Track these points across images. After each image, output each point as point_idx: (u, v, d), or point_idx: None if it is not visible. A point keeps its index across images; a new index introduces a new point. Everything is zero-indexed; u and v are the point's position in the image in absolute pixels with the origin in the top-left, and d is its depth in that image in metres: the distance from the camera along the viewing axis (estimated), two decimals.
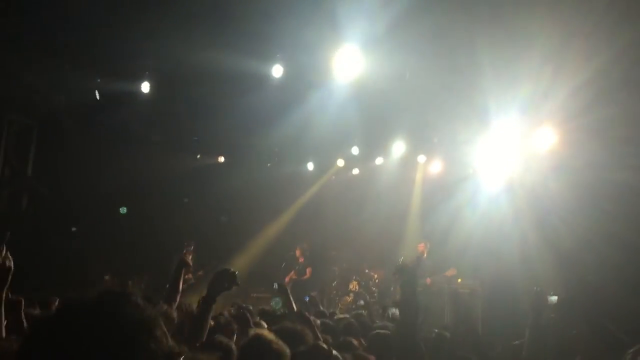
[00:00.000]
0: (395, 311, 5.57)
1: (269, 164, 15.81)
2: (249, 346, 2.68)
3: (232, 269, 3.33)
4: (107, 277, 13.17)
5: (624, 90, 7.65)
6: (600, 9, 6.59)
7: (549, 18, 7.08)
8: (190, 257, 13.15)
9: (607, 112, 7.85)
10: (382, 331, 4.88)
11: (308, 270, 13.05)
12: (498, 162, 12.79)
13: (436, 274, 12.10)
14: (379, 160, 15.00)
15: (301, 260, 13.19)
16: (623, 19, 6.66)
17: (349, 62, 9.39)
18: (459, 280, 12.12)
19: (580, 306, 6.72)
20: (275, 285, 6.78)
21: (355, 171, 15.65)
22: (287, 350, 2.69)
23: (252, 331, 3.02)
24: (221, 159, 15.47)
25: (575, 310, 6.47)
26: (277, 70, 10.07)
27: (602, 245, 8.39)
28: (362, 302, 11.91)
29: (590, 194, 8.88)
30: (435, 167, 14.19)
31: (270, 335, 2.78)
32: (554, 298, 7.75)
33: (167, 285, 4.04)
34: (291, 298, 5.36)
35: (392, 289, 13.10)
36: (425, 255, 12.38)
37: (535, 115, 9.85)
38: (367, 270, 13.77)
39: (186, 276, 12.49)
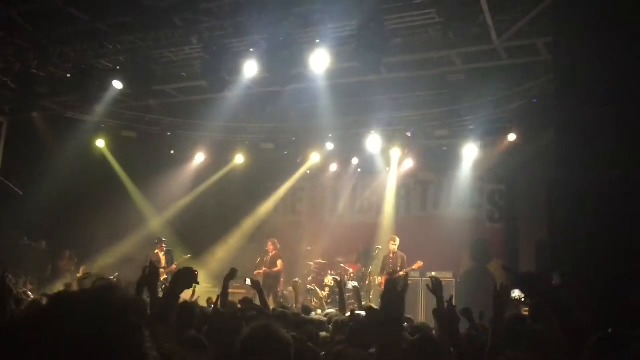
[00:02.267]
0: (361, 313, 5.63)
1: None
2: (252, 336, 2.64)
3: (193, 269, 3.41)
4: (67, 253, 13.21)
5: None
6: None
7: None
8: (162, 253, 13.17)
9: None
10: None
11: (279, 263, 13.08)
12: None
13: (405, 268, 12.28)
14: (354, 160, 15.14)
15: (273, 253, 13.21)
16: None
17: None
18: (433, 272, 12.29)
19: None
20: (248, 281, 6.79)
21: (333, 167, 15.70)
22: (291, 340, 2.69)
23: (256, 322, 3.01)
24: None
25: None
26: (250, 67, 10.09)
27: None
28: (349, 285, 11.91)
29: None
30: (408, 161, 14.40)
31: (275, 325, 2.77)
32: (517, 292, 7.90)
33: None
34: (263, 292, 5.42)
35: (366, 282, 13.24)
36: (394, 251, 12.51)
37: None
38: (342, 265, 13.84)
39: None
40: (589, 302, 5.86)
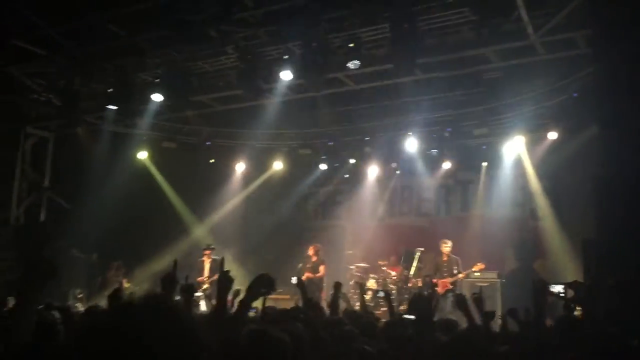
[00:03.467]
0: (409, 317, 5.59)
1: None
2: (251, 340, 2.63)
3: (270, 275, 3.35)
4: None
5: None
6: None
7: None
8: (209, 261, 13.31)
9: None
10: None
11: (322, 268, 13.06)
12: None
13: (462, 271, 12.17)
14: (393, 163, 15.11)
15: (314, 259, 13.20)
16: None
17: None
18: (477, 273, 12.17)
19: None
20: (294, 280, 6.88)
21: (372, 170, 15.68)
22: (289, 340, 2.66)
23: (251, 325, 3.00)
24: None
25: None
26: None
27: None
28: (380, 293, 11.85)
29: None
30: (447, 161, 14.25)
31: (271, 328, 2.75)
32: (560, 287, 7.73)
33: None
34: (307, 294, 5.48)
35: (408, 284, 13.14)
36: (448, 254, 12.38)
37: None
38: (384, 268, 13.78)
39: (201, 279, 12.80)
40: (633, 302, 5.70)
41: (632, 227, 6.68)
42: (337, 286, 6.31)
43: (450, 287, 11.84)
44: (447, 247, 12.39)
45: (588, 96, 9.92)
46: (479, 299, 4.18)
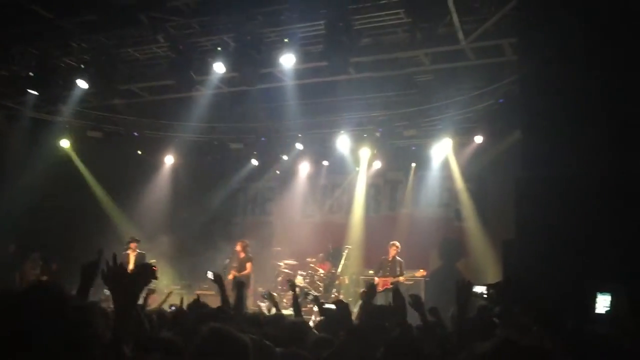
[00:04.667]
0: (330, 306, 5.61)
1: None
2: (207, 340, 2.54)
3: (151, 264, 3.30)
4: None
5: None
6: None
7: None
8: (134, 254, 12.91)
9: None
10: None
11: (248, 265, 12.94)
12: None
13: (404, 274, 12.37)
14: (324, 160, 15.20)
15: (242, 255, 13.07)
16: None
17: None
18: (419, 276, 12.47)
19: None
20: (210, 274, 6.55)
21: (302, 167, 15.70)
22: (248, 341, 2.60)
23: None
24: None
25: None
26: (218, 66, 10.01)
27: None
28: (310, 296, 11.88)
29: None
30: (377, 161, 14.50)
31: (228, 327, 2.67)
32: (481, 288, 7.97)
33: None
34: (225, 291, 5.36)
35: (336, 282, 13.26)
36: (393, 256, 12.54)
37: None
38: (312, 265, 13.82)
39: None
40: (551, 299, 5.94)
41: (549, 228, 6.98)
42: (240, 285, 6.03)
43: (390, 286, 12.03)
44: (394, 249, 12.59)
45: (513, 102, 10.31)
46: (418, 301, 4.25)
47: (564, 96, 7.09)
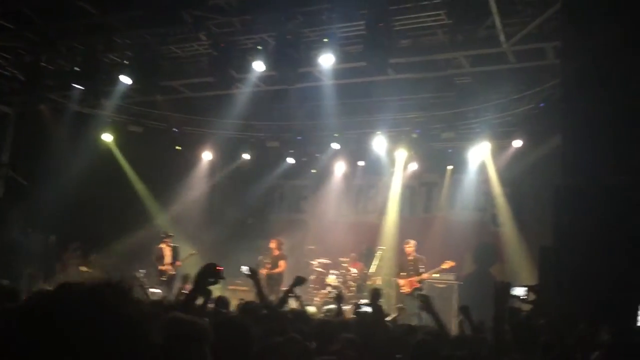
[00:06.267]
0: (366, 309, 5.61)
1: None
2: (169, 329, 2.53)
3: (217, 264, 3.33)
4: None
5: None
6: None
7: None
8: (169, 249, 13.18)
9: None
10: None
11: (281, 263, 13.01)
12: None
13: (430, 268, 12.17)
14: (360, 161, 15.18)
15: (276, 253, 13.15)
16: None
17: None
18: (447, 267, 12.23)
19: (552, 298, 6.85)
20: (245, 269, 6.52)
21: (338, 167, 15.73)
22: (208, 325, 2.58)
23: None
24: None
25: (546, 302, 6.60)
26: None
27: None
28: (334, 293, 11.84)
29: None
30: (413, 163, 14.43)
31: (185, 315, 2.65)
32: (522, 290, 7.86)
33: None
34: (261, 286, 5.38)
35: (368, 282, 13.22)
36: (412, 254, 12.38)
37: None
38: (345, 264, 13.82)
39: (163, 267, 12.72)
40: (588, 307, 5.84)
41: (588, 236, 6.85)
42: (299, 281, 6.03)
43: (418, 285, 11.91)
44: (409, 247, 12.43)
45: (554, 107, 10.13)
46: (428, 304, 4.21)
47: (608, 101, 6.95)
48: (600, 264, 6.64)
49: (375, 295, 6.77)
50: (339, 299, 7.49)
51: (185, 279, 7.42)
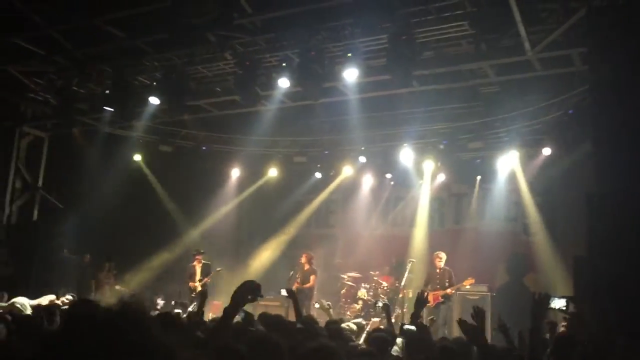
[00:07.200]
0: (411, 327, 5.55)
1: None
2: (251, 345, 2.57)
3: (255, 281, 3.33)
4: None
5: None
6: None
7: None
8: (199, 266, 13.36)
9: None
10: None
11: (312, 278, 12.99)
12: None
13: (454, 284, 12.00)
14: (387, 173, 15.16)
15: (306, 267, 13.16)
16: None
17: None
18: (467, 286, 12.08)
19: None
20: (283, 291, 6.80)
21: (366, 180, 15.71)
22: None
23: None
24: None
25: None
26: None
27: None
28: (379, 303, 11.68)
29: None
30: (442, 174, 14.33)
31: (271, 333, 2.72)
32: (561, 302, 7.71)
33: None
34: (298, 305, 5.45)
35: (400, 295, 13.12)
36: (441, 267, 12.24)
37: None
38: (375, 278, 13.77)
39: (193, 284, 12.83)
40: (625, 318, 5.71)
41: (623, 244, 6.71)
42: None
43: (441, 300, 11.80)
44: (440, 261, 12.28)
45: (583, 113, 9.98)
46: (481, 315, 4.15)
47: (637, 106, 6.83)
48: (637, 273, 6.49)
49: (387, 310, 6.79)
50: (387, 308, 7.47)
51: (203, 295, 7.36)
